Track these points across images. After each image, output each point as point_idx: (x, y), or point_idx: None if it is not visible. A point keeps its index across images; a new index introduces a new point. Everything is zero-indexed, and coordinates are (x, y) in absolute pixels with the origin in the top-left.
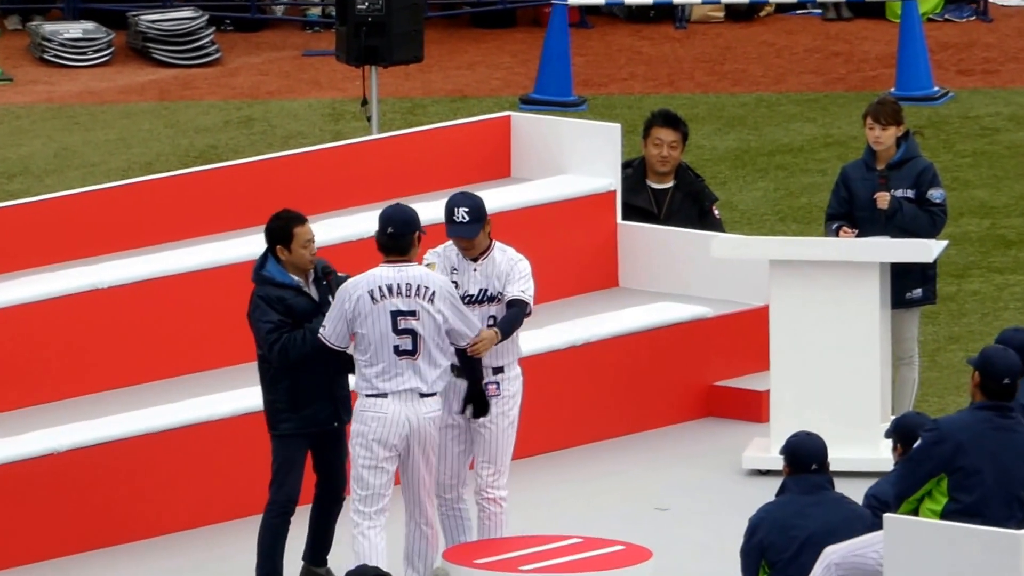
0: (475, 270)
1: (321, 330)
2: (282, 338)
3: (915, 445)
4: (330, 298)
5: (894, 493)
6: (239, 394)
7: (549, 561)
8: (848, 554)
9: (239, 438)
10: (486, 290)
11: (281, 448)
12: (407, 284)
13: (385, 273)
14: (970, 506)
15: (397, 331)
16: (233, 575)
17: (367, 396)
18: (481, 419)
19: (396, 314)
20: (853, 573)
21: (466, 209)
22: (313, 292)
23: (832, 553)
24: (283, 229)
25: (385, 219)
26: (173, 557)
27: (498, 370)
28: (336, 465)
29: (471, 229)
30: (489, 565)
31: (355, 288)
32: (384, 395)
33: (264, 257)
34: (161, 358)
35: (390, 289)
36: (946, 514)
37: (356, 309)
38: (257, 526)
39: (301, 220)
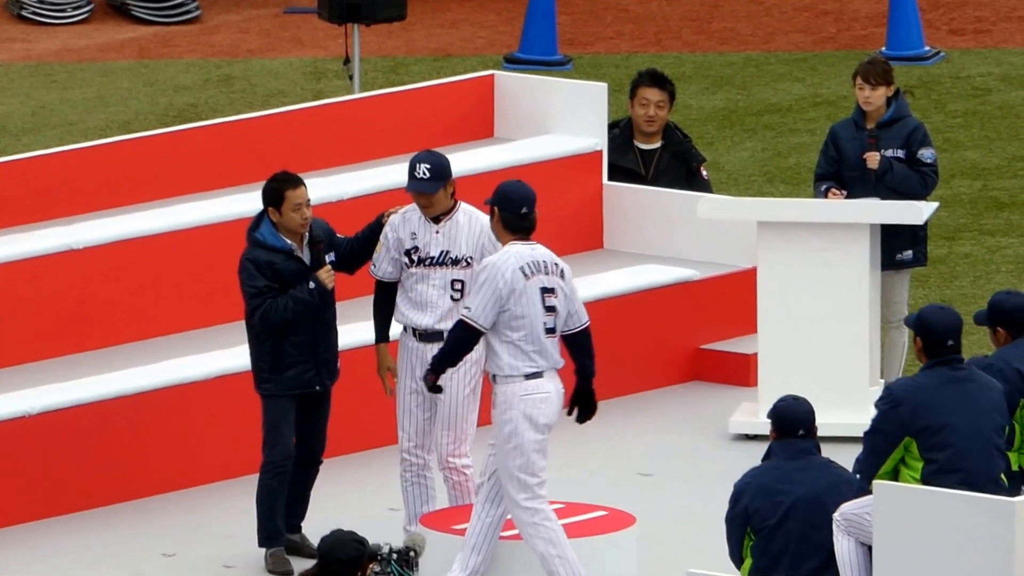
0: (437, 232)
1: (466, 312)
2: (264, 304)
3: (872, 417)
4: (327, 259)
5: (864, 471)
6: (215, 356)
7: None
8: (850, 510)
9: (215, 401)
10: (447, 251)
11: (268, 409)
12: (543, 262)
13: (523, 251)
14: (947, 463)
15: (545, 308)
16: (211, 538)
17: (527, 377)
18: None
19: (543, 291)
20: (855, 529)
21: (428, 166)
22: (306, 256)
23: (844, 508)
24: (275, 192)
25: (520, 198)
26: (149, 521)
27: None
28: (317, 428)
29: (431, 186)
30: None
31: (504, 266)
32: (541, 374)
33: (259, 217)
34: (137, 320)
35: (535, 266)
36: (926, 477)
37: (511, 286)
38: (235, 489)
39: (295, 183)
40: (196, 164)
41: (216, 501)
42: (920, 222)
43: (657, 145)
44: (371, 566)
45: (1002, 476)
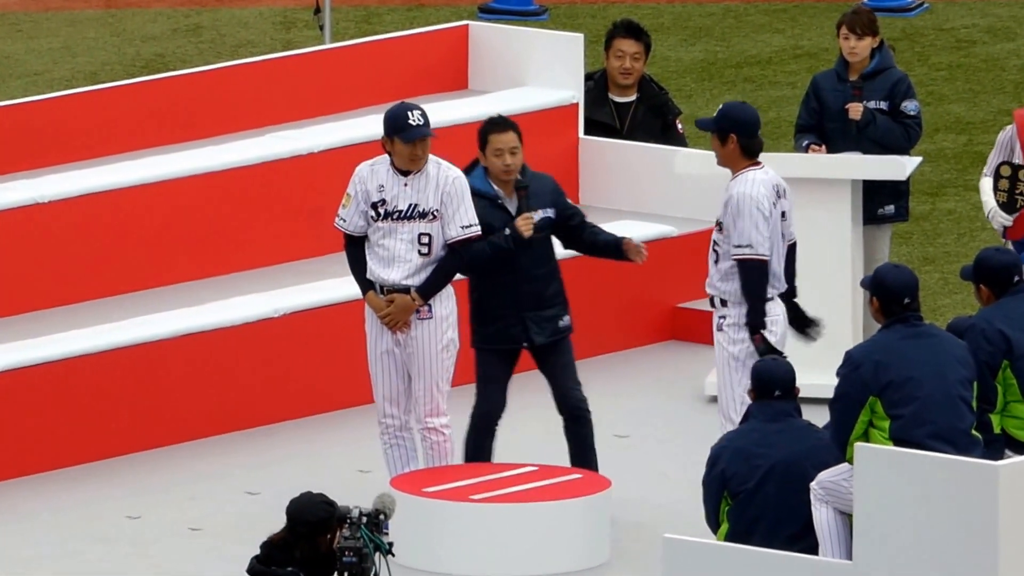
0: (405, 184)
1: (748, 250)
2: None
3: (835, 386)
4: (536, 214)
5: (835, 441)
6: (182, 313)
7: (503, 490)
8: (827, 479)
9: (181, 360)
10: (416, 205)
11: (477, 361)
12: (779, 185)
13: (765, 178)
14: (913, 417)
15: (782, 235)
16: (177, 500)
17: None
18: (412, 347)
19: (782, 215)
20: (833, 497)
21: (420, 112)
22: (511, 205)
23: (820, 477)
24: (480, 134)
25: (756, 120)
26: (114, 482)
27: None
28: (559, 381)
29: (430, 129)
30: (438, 494)
31: (759, 195)
32: (772, 298)
33: (474, 162)
34: (103, 276)
35: (778, 191)
36: (895, 433)
37: (768, 212)
38: (201, 450)
39: (500, 127)
40: (164, 116)
41: (181, 463)
42: (903, 177)
43: (633, 98)
44: (341, 529)
45: (973, 430)
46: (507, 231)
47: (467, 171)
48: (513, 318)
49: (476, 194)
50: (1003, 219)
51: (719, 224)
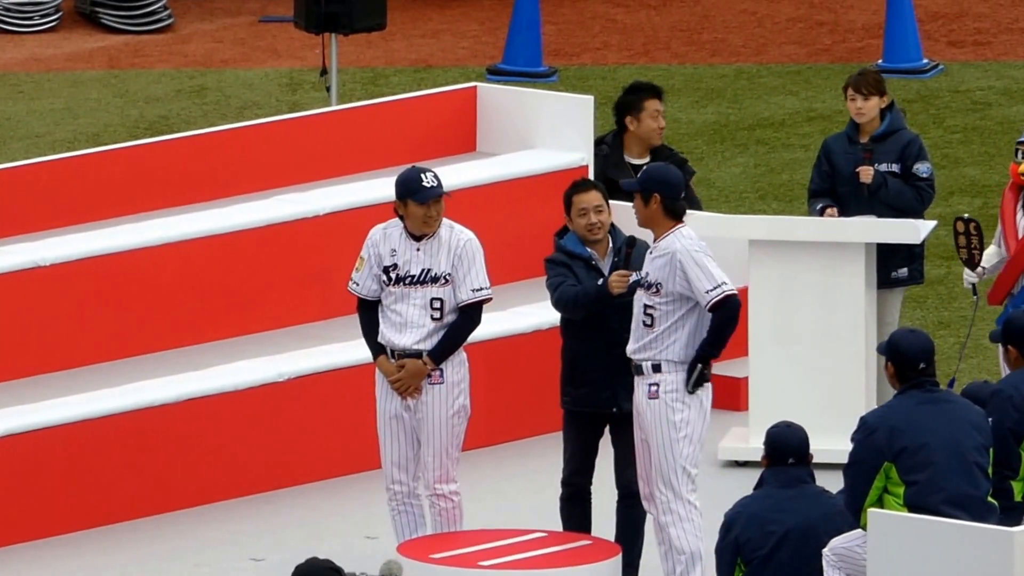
0: (418, 249)
1: (724, 286)
2: (560, 285)
3: (850, 452)
4: (634, 273)
5: (850, 506)
6: (183, 378)
7: (512, 556)
8: (840, 545)
9: (181, 425)
10: (429, 270)
11: (564, 423)
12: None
13: (693, 235)
14: (928, 483)
15: None
16: (185, 568)
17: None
18: (422, 412)
19: None
20: (846, 564)
21: (432, 174)
22: (604, 266)
23: (833, 543)
24: (565, 197)
25: (678, 180)
26: (116, 550)
27: None
28: (620, 457)
29: (443, 190)
30: (446, 560)
31: (703, 245)
32: None
33: (564, 228)
34: (103, 340)
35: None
36: (910, 500)
37: None
38: (207, 516)
39: (583, 188)
40: (168, 178)
41: (186, 529)
42: (918, 241)
43: (647, 160)
44: None
45: (989, 497)
46: (600, 280)
47: (559, 235)
48: (604, 382)
49: (572, 256)
50: (969, 276)
51: (653, 287)
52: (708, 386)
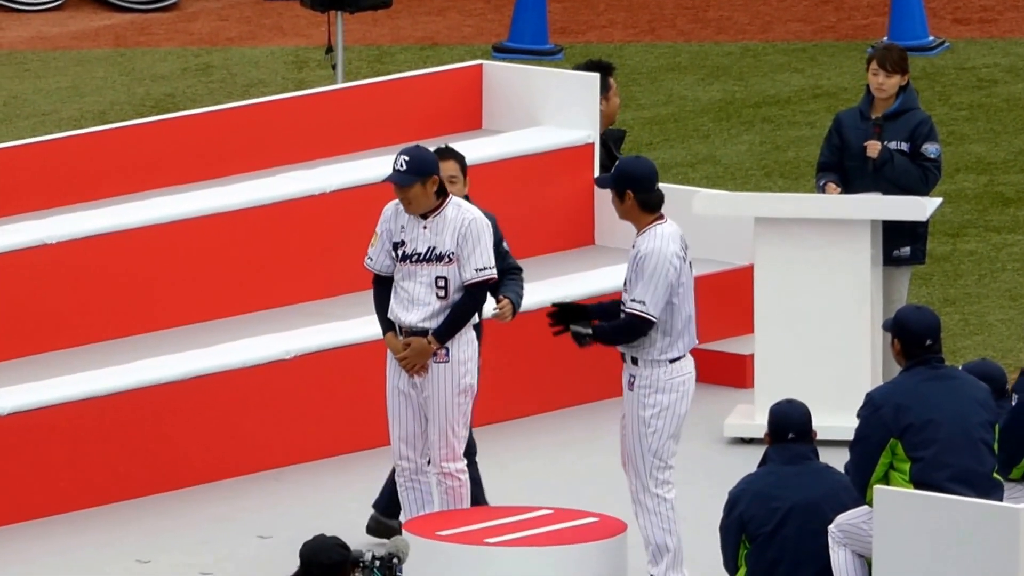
0: (424, 227)
1: (641, 307)
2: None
3: (856, 428)
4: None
5: (855, 483)
6: (191, 355)
7: (518, 533)
8: (845, 521)
9: (189, 402)
10: (434, 248)
11: None
12: (683, 238)
13: (671, 232)
14: (934, 459)
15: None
16: (187, 544)
17: (672, 361)
18: (429, 390)
19: (691, 271)
20: (851, 540)
21: (406, 158)
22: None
23: (839, 519)
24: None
25: (652, 173)
26: (123, 527)
27: None
28: None
29: (404, 178)
30: (452, 537)
31: (668, 252)
32: (684, 356)
33: None
34: (111, 318)
35: (684, 246)
36: (915, 476)
37: (677, 274)
38: (210, 494)
39: (443, 156)
40: (174, 156)
41: (192, 506)
42: (924, 218)
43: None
44: (354, 572)
45: (994, 473)
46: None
47: None
48: None
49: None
50: None
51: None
52: (689, 380)
